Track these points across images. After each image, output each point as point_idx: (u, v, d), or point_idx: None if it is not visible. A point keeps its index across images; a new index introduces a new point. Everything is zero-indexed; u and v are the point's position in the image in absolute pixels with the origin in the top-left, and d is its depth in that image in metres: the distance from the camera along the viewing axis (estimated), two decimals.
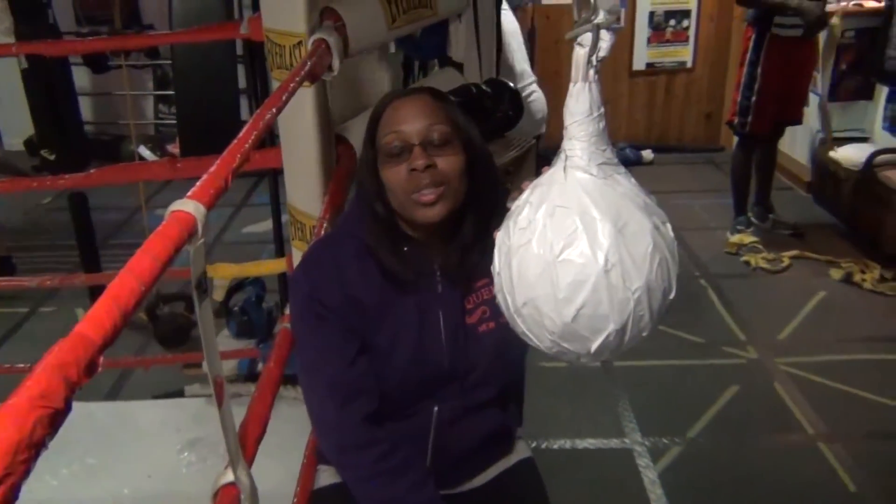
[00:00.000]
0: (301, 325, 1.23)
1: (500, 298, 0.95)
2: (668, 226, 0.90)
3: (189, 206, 0.72)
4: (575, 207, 0.85)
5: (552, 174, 0.90)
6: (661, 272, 0.86)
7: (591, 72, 0.86)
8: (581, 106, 0.87)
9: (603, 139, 0.88)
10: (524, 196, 0.92)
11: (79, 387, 0.49)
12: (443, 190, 1.15)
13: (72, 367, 0.49)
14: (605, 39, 0.85)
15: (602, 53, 0.85)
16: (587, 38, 0.85)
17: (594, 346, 0.87)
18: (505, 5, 3.31)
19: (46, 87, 3.96)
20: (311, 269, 1.24)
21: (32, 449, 0.43)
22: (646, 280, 0.84)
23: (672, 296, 0.89)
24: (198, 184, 0.77)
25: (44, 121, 4.08)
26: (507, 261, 0.90)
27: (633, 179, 0.91)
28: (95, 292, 2.90)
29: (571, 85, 0.88)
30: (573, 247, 0.84)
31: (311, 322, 1.21)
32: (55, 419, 0.46)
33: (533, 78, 3.32)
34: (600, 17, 0.83)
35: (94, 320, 0.54)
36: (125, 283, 0.59)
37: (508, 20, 3.29)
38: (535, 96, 3.33)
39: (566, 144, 0.89)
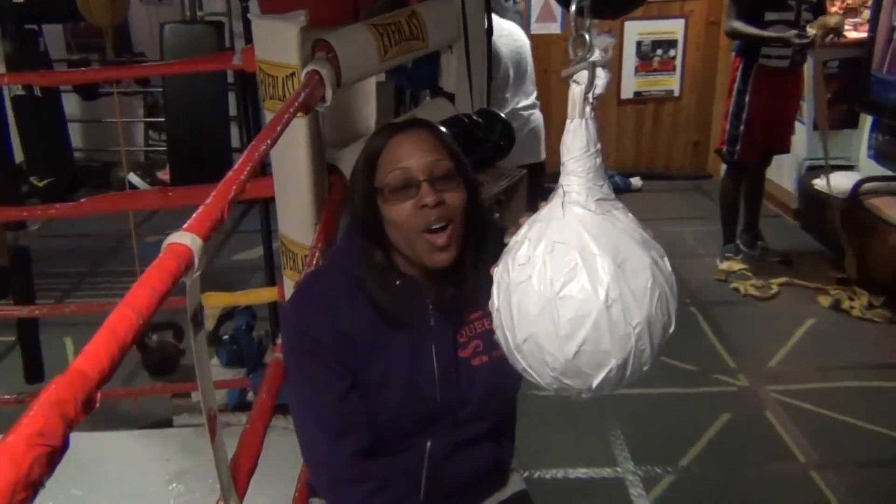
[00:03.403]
0: (291, 359, 1.23)
1: (499, 335, 0.94)
2: (666, 260, 0.91)
3: (186, 238, 0.72)
4: (574, 243, 0.85)
5: (550, 210, 0.90)
6: (661, 307, 0.86)
7: (588, 108, 0.87)
8: (578, 142, 0.88)
9: (600, 175, 0.89)
10: (522, 232, 0.92)
11: (77, 423, 0.49)
12: (452, 230, 1.14)
13: (69, 403, 0.49)
14: (601, 77, 0.86)
15: (598, 90, 0.86)
16: (583, 75, 0.86)
17: (595, 382, 0.86)
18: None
19: (36, 114, 3.96)
20: (301, 304, 1.24)
21: (30, 489, 0.43)
22: (646, 315, 0.85)
23: (672, 330, 0.89)
24: (194, 216, 0.77)
25: (33, 147, 4.07)
26: (507, 297, 0.90)
27: (630, 214, 0.91)
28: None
29: (568, 122, 0.88)
30: (573, 283, 0.84)
31: (302, 356, 1.20)
32: (53, 457, 0.45)
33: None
34: (596, 55, 0.84)
35: (91, 356, 0.54)
36: (123, 317, 0.58)
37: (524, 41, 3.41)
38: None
39: (564, 180, 0.89)
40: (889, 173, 4.05)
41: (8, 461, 0.43)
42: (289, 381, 1.24)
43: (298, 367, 1.21)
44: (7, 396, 2.49)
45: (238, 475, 0.95)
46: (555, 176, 0.94)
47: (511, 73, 3.31)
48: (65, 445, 0.47)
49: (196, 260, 0.72)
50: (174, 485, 2.24)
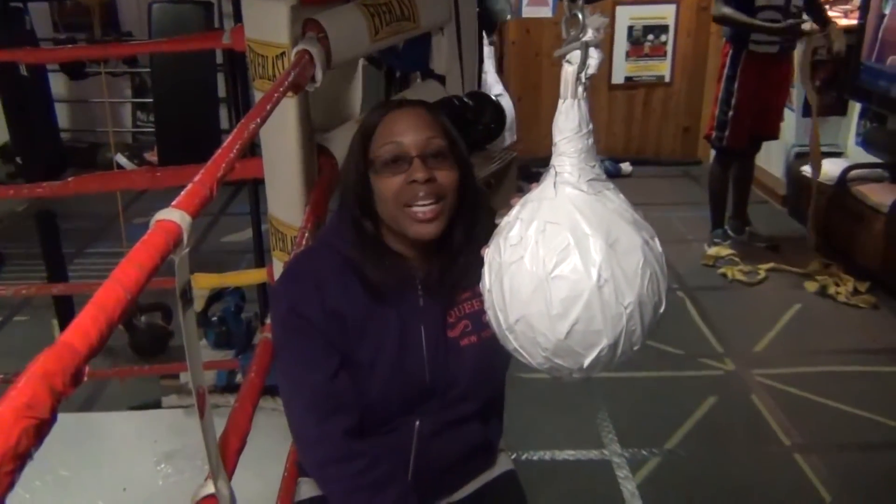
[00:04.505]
0: (281, 338, 1.23)
1: (490, 315, 0.94)
2: (657, 241, 0.91)
3: (175, 215, 0.71)
4: (566, 223, 0.85)
5: (542, 190, 0.90)
6: (652, 287, 0.87)
7: (580, 89, 0.87)
8: (570, 123, 0.87)
9: (592, 155, 0.89)
10: (514, 212, 0.92)
11: (65, 397, 0.49)
12: (441, 206, 1.15)
13: (57, 376, 0.49)
14: (594, 57, 0.86)
15: (591, 71, 0.86)
16: (576, 55, 0.86)
17: (587, 362, 0.87)
18: None
19: (23, 93, 3.91)
20: (291, 283, 1.23)
21: (18, 460, 0.43)
22: (637, 295, 0.85)
23: (662, 310, 0.90)
24: (183, 193, 0.77)
25: (19, 127, 4.02)
26: (499, 278, 0.90)
27: (621, 195, 0.91)
28: (61, 304, 2.88)
29: (560, 102, 0.88)
30: (566, 263, 0.84)
31: (292, 335, 1.20)
32: (41, 430, 0.45)
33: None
34: (589, 35, 0.84)
35: (79, 329, 0.54)
36: (111, 291, 0.58)
37: None
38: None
39: (555, 161, 0.89)
40: (876, 160, 4.07)
41: None
42: (278, 360, 1.24)
43: (288, 346, 1.21)
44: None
45: (227, 453, 0.95)
46: (545, 161, 0.94)
47: None
48: (53, 418, 0.47)
49: (185, 237, 0.72)
50: (162, 465, 2.24)
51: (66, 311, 2.92)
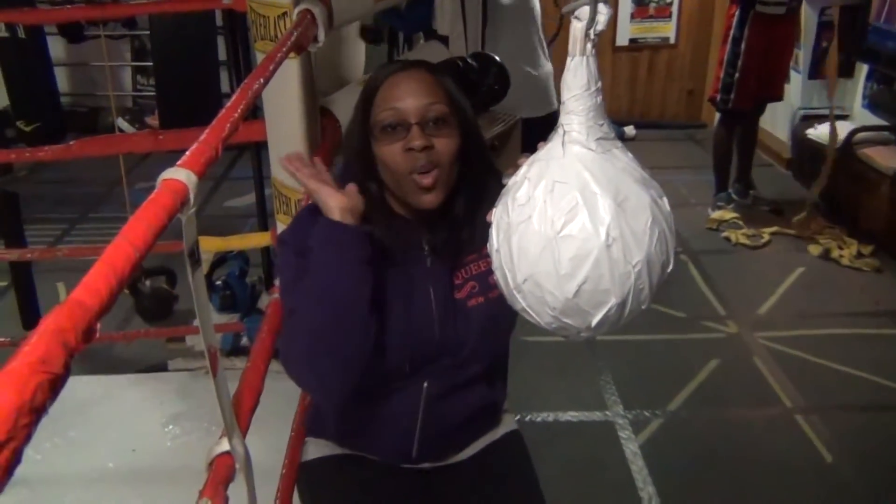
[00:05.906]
0: (287, 275, 1.19)
1: (498, 275, 0.94)
2: (665, 199, 0.91)
3: (181, 174, 0.71)
4: (575, 183, 0.85)
5: (550, 149, 0.89)
6: (660, 245, 0.87)
7: (589, 46, 0.86)
8: (579, 80, 0.87)
9: (600, 114, 0.88)
10: (521, 172, 0.92)
11: (77, 352, 0.49)
12: (438, 173, 1.13)
13: (69, 332, 0.49)
14: (603, 13, 0.84)
15: (600, 27, 0.85)
16: (584, 11, 0.84)
17: (595, 321, 0.87)
18: None
19: (21, 57, 3.88)
20: (299, 230, 1.21)
21: (34, 414, 0.43)
22: (646, 254, 0.85)
23: (670, 269, 0.89)
24: (188, 152, 0.76)
25: (19, 91, 4.00)
26: (507, 238, 0.89)
27: (629, 154, 0.91)
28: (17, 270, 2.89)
29: (569, 59, 0.87)
30: (574, 222, 0.83)
31: (298, 271, 1.15)
32: (55, 384, 0.45)
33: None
34: None
35: (89, 286, 0.53)
36: (120, 249, 0.58)
37: None
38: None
39: (564, 119, 0.88)
40: (883, 123, 4.04)
41: (12, 386, 0.43)
42: (284, 299, 1.19)
43: (294, 281, 1.16)
44: (2, 339, 2.49)
45: (240, 412, 0.96)
46: None
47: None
48: (66, 373, 0.47)
49: (191, 196, 0.71)
50: (170, 427, 2.27)
51: (24, 281, 2.95)
